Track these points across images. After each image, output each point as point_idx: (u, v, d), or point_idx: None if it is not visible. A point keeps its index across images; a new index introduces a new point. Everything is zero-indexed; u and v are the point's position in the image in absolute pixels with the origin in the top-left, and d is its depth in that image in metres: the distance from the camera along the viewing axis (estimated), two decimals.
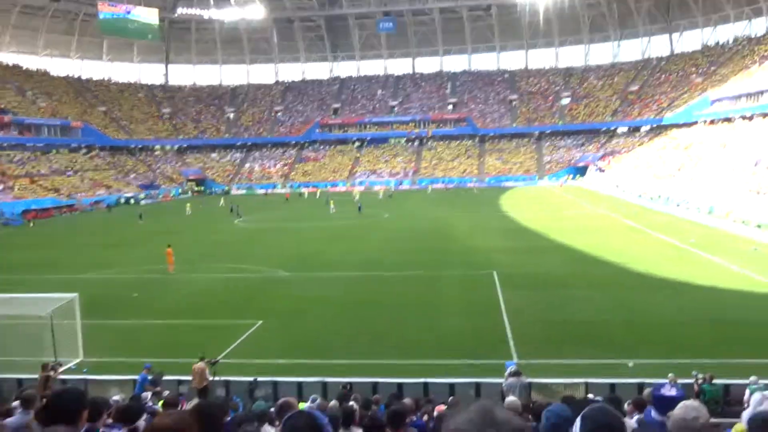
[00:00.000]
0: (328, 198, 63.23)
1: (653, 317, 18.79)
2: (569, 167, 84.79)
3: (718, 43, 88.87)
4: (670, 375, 11.26)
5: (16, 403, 6.86)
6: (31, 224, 53.32)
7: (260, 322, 19.46)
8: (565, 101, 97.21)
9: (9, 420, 5.61)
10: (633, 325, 18.03)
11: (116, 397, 10.89)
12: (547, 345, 16.64)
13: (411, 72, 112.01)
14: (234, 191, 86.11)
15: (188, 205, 62.19)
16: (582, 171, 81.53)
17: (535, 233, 38.03)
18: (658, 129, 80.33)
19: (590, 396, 11.09)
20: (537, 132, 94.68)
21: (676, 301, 20.63)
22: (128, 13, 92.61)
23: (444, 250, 32.64)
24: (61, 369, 13.91)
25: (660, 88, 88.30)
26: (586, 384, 12.72)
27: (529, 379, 12.18)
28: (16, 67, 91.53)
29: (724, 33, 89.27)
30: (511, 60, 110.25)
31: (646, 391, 9.99)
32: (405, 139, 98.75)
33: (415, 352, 16.37)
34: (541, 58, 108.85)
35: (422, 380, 13.13)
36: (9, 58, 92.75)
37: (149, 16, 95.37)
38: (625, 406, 8.00)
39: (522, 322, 18.61)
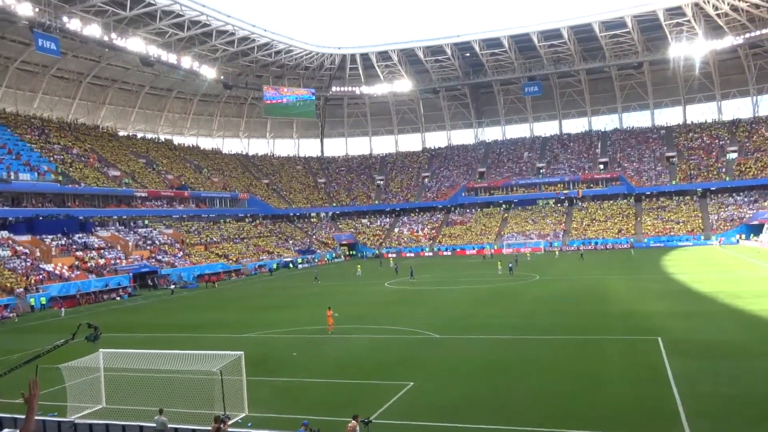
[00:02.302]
0: (516, 258, 66.19)
1: None
2: (741, 226, 77.17)
3: None
4: None
5: None
6: (215, 285, 59.24)
7: (411, 383, 19.54)
8: (732, 155, 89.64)
9: None
10: None
11: None
12: (727, 422, 14.89)
13: (558, 133, 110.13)
14: (439, 252, 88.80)
15: (358, 266, 66.03)
16: (756, 230, 73.78)
17: (704, 297, 34.76)
18: None
19: None
20: (700, 189, 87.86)
21: None
22: (289, 97, 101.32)
23: (601, 313, 30.89)
24: (230, 422, 14.89)
25: None
26: None
27: None
28: (195, 148, 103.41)
29: None
30: (667, 116, 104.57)
31: None
32: (554, 200, 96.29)
33: (572, 421, 15.42)
34: (701, 112, 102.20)
35: None
36: (189, 140, 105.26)
37: (306, 96, 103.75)
38: None
39: (695, 395, 16.85)
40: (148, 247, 67.59)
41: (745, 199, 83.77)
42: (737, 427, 14.42)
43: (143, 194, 75.18)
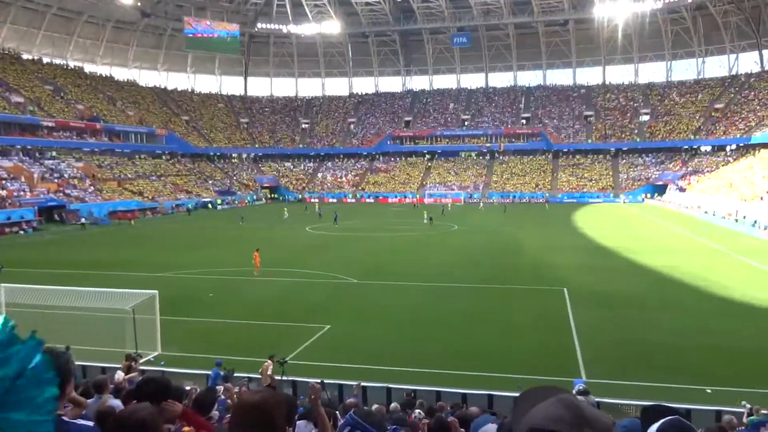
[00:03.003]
0: (444, 208, 67.35)
1: (734, 343, 17.83)
2: (647, 185, 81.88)
3: None
4: (743, 402, 11.03)
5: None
6: (132, 222, 57.45)
7: (328, 326, 19.83)
8: (645, 118, 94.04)
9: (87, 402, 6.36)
10: (712, 351, 17.19)
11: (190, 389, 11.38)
12: (618, 366, 16.09)
13: (484, 86, 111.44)
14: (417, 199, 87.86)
15: (285, 209, 65.46)
16: (661, 190, 78.55)
17: (609, 252, 36.91)
18: (746, 148, 76.32)
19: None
20: (613, 149, 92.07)
21: (762, 328, 19.50)
22: (212, 31, 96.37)
23: (513, 264, 32.21)
24: (141, 360, 14.64)
25: (748, 105, 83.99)
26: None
27: (598, 399, 11.83)
28: (109, 79, 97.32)
29: None
30: (588, 75, 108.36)
31: (726, 417, 9.61)
32: (476, 152, 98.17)
33: (481, 364, 16.21)
34: (620, 73, 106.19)
35: (487, 392, 13.01)
36: (102, 69, 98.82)
37: (231, 31, 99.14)
38: None
39: (592, 341, 18.09)
40: (56, 180, 63.95)
41: (653, 160, 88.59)
42: (627, 371, 15.60)
43: (50, 124, 70.58)
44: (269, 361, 13.89)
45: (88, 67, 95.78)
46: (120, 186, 71.01)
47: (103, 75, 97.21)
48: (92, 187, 66.39)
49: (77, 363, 14.52)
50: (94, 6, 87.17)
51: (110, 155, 79.93)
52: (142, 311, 17.14)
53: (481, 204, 77.89)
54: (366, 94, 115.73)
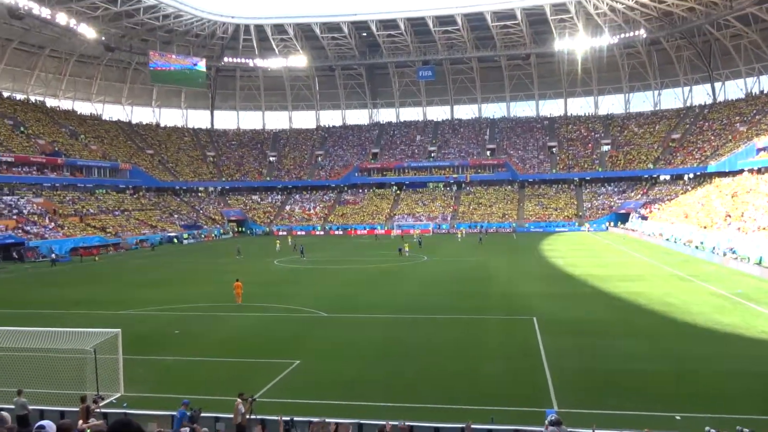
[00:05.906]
0: (421, 240, 67.89)
1: (700, 369, 18.12)
2: (610, 214, 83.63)
3: (762, 92, 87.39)
4: (707, 428, 11.12)
5: None
6: (96, 259, 56.27)
7: (298, 362, 19.49)
8: (606, 148, 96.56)
9: None
10: (679, 377, 17.39)
11: None
12: (589, 394, 16.16)
13: (449, 118, 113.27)
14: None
15: (277, 242, 65.35)
16: (624, 218, 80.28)
17: (576, 279, 37.35)
18: (702, 177, 78.79)
19: None
20: (577, 178, 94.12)
21: (724, 352, 19.86)
22: (176, 65, 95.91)
23: (483, 294, 32.31)
24: (102, 402, 14.12)
25: (703, 136, 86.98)
26: None
27: (571, 429, 11.82)
28: (71, 112, 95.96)
29: None
30: (550, 107, 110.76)
31: None
32: (443, 183, 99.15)
33: (453, 397, 16.10)
34: (581, 105, 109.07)
35: (460, 425, 12.87)
36: (65, 104, 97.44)
37: (195, 62, 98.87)
38: None
39: (563, 370, 18.15)
40: (14, 217, 62.25)
41: (615, 189, 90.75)
42: (597, 399, 15.67)
43: (9, 159, 69.03)
44: (239, 399, 13.54)
45: (50, 101, 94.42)
46: (82, 221, 69.49)
47: (66, 109, 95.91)
48: (53, 224, 64.81)
49: (34, 407, 13.98)
50: (56, 40, 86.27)
51: (72, 190, 78.39)
52: (104, 351, 16.60)
53: (459, 235, 77.46)
54: (333, 127, 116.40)
